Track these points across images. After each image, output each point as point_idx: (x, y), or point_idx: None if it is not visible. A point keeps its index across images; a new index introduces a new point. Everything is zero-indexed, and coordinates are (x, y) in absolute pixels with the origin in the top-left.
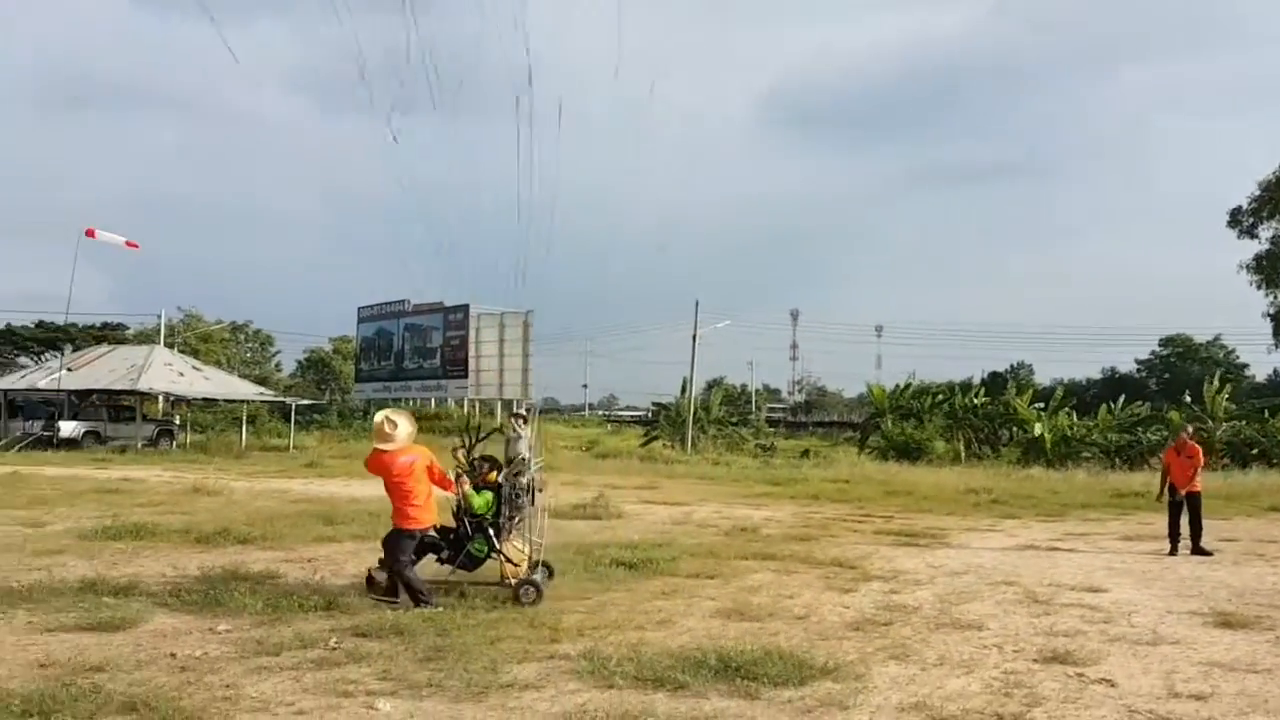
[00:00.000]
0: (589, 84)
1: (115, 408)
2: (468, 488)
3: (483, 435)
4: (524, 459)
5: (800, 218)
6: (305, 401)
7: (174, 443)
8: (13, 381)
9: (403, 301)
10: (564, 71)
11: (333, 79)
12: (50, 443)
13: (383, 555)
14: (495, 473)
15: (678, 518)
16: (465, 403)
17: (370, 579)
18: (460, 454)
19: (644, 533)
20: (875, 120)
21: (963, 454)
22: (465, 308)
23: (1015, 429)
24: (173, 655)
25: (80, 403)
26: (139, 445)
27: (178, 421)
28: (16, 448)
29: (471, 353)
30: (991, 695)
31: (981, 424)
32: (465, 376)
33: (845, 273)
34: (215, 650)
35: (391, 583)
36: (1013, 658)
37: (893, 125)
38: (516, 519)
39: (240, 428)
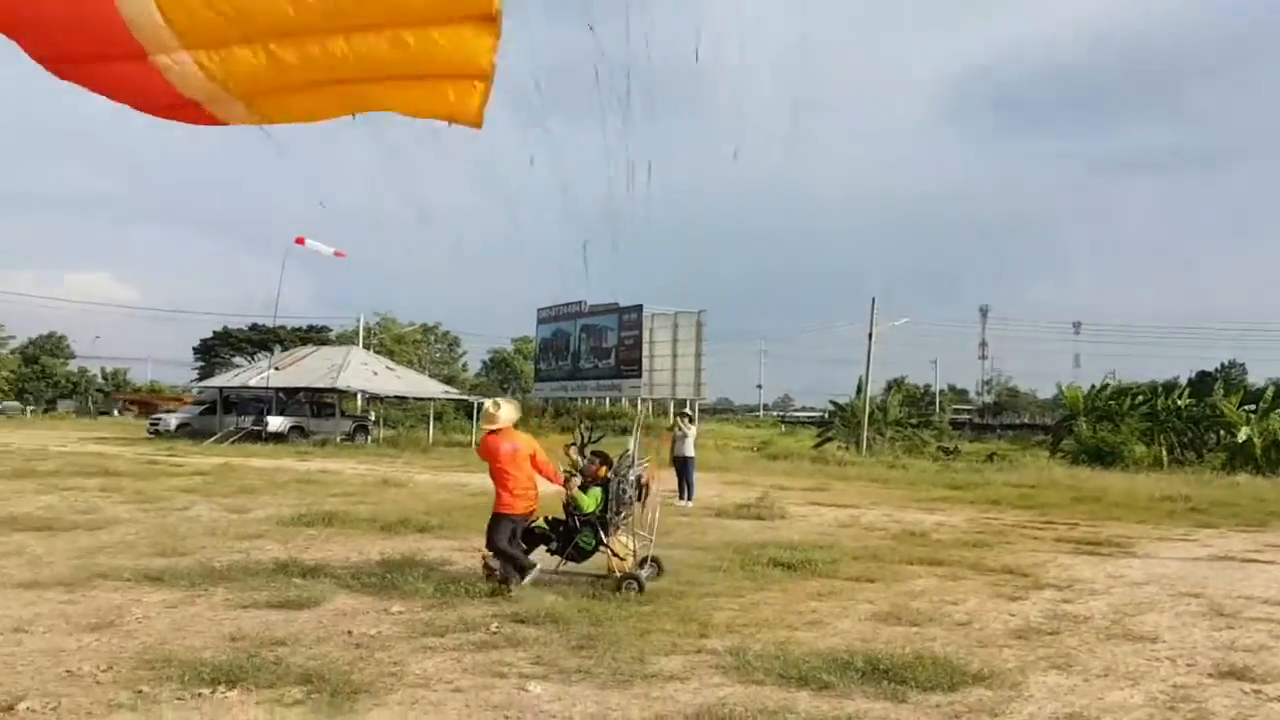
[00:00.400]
0: (764, 79)
1: (317, 404)
2: (576, 490)
3: (595, 436)
4: (631, 455)
5: (990, 210)
6: (487, 400)
7: (369, 438)
8: (228, 379)
9: (579, 303)
10: (739, 67)
11: (520, 88)
12: (259, 436)
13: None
14: (605, 468)
15: (844, 520)
16: (639, 401)
17: (486, 565)
18: (573, 451)
19: (806, 534)
20: (1073, 107)
21: (1165, 459)
22: (639, 308)
23: (1222, 432)
24: (349, 633)
25: (287, 399)
26: (337, 439)
27: (372, 418)
28: (230, 441)
29: (645, 352)
30: (1154, 709)
31: (1185, 427)
32: (639, 376)
33: (1040, 267)
34: (387, 629)
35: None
36: (1185, 671)
37: (1092, 111)
38: (624, 515)
39: (428, 424)
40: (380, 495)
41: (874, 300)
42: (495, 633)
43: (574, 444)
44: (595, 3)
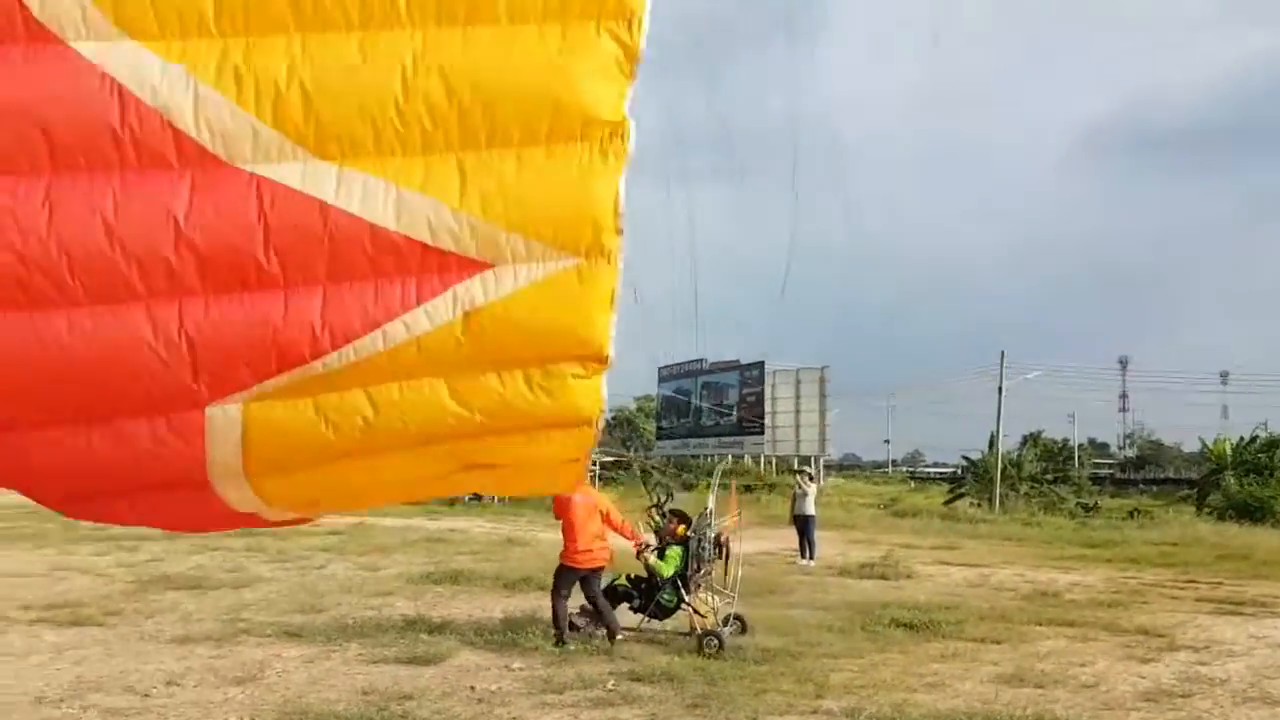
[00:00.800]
0: (891, 125)
1: None
2: (652, 560)
3: (670, 497)
4: (710, 513)
5: (1128, 257)
6: (608, 459)
7: (495, 497)
8: None
9: (700, 360)
10: (863, 114)
11: (646, 150)
12: None
13: (584, 601)
14: (684, 527)
15: (973, 580)
16: (761, 459)
17: (572, 625)
18: (654, 513)
19: (933, 594)
20: (1217, 146)
21: None
22: (760, 365)
23: None
24: (472, 688)
25: None
26: (465, 499)
27: None
28: None
29: (767, 409)
30: None
31: None
32: (761, 433)
33: (1182, 315)
34: (508, 685)
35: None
36: None
37: (1239, 151)
38: (705, 572)
39: None
40: (505, 554)
41: (1003, 354)
42: (612, 690)
43: (652, 505)
44: (730, 60)
